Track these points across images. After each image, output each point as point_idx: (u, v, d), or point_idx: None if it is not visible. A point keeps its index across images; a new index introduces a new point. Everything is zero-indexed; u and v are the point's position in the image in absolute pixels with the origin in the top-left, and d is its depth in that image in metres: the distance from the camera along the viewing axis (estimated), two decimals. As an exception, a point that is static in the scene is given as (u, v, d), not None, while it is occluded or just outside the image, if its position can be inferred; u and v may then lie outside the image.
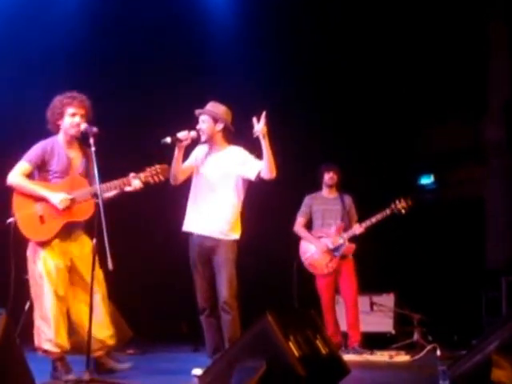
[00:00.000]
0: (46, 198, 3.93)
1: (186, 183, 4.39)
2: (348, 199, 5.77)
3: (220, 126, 4.33)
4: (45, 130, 4.10)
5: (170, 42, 6.20)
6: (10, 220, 3.93)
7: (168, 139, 4.19)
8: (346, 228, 5.60)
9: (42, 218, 3.94)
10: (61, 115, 4.04)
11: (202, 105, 4.41)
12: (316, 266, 5.62)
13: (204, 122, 4.33)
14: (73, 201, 3.95)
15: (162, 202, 4.66)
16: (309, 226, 5.78)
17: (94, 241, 3.59)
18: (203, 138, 4.35)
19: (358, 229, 5.51)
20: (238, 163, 4.33)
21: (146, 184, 3.98)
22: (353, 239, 5.58)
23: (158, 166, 4.00)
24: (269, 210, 6.31)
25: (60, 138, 4.10)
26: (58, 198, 3.92)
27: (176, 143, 4.24)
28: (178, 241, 4.50)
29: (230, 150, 4.40)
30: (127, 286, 4.19)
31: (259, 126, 4.16)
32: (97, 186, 3.73)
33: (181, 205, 4.40)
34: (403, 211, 5.40)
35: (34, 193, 3.96)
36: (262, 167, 4.23)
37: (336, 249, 5.55)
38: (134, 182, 3.94)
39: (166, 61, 6.21)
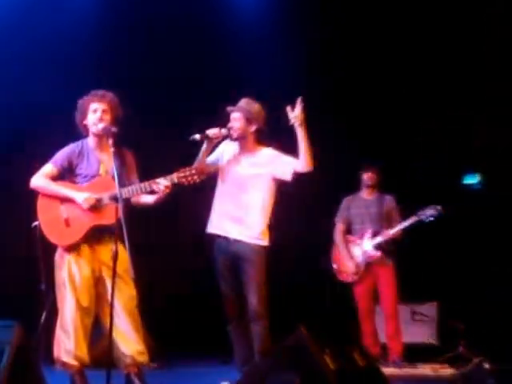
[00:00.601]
0: (70, 198, 3.90)
1: (208, 181, 4.35)
2: (389, 200, 5.68)
3: (253, 128, 4.32)
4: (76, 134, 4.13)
5: (194, 37, 6.24)
6: (35, 224, 3.97)
7: (197, 136, 4.19)
8: (380, 233, 5.54)
9: (67, 221, 3.91)
10: (85, 114, 4.04)
11: (227, 102, 4.38)
12: (343, 273, 5.61)
13: (236, 121, 4.30)
14: (99, 202, 3.89)
15: (182, 201, 4.61)
16: (349, 230, 5.74)
17: (114, 247, 3.54)
18: (233, 137, 4.32)
19: (386, 235, 5.46)
20: (271, 163, 4.31)
21: (179, 185, 3.89)
22: (388, 245, 5.52)
23: (194, 167, 3.96)
24: (302, 211, 6.28)
25: (89, 139, 4.09)
26: (82, 196, 3.88)
27: (205, 141, 4.23)
28: (201, 244, 4.49)
29: (261, 150, 4.37)
30: (150, 293, 4.19)
31: (295, 113, 4.13)
32: (119, 188, 3.67)
33: (202, 204, 4.40)
34: (430, 219, 5.34)
35: (57, 193, 3.93)
36: (296, 163, 4.20)
37: (362, 256, 5.54)
38: (161, 182, 3.85)
39: (191, 57, 6.23)
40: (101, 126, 3.97)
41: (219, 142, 4.37)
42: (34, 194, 3.99)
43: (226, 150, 4.43)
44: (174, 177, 3.86)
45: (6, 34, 5.60)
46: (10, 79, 5.56)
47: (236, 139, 4.35)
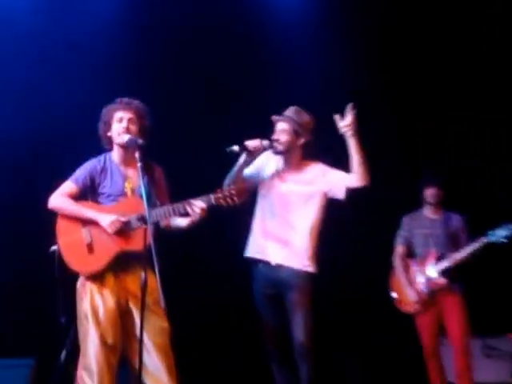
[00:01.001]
0: (94, 220, 3.75)
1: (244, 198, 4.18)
2: (456, 220, 5.41)
3: (302, 141, 4.22)
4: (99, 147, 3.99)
5: (230, 43, 6.11)
6: (53, 248, 3.81)
7: (235, 147, 4.07)
8: (446, 257, 5.26)
9: (90, 246, 3.76)
10: (109, 124, 3.89)
11: (267, 112, 4.27)
12: (404, 303, 5.37)
13: (283, 133, 4.20)
14: (127, 225, 3.74)
15: (216, 221, 4.51)
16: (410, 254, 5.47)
17: (143, 275, 3.45)
18: (278, 150, 4.18)
19: (453, 259, 5.20)
20: (322, 180, 4.18)
21: (217, 207, 3.76)
22: (455, 270, 5.24)
23: (233, 187, 3.82)
24: (352, 232, 6.04)
25: (113, 153, 3.93)
26: (107, 219, 3.72)
27: (244, 153, 4.09)
28: (238, 271, 4.42)
29: (309, 166, 4.23)
30: (181, 324, 4.09)
31: (346, 121, 4.03)
32: (149, 210, 3.53)
33: (239, 225, 4.30)
34: (503, 240, 5.07)
35: (78, 214, 3.78)
36: (349, 179, 4.10)
37: (425, 283, 5.30)
38: (197, 204, 3.71)
39: (225, 65, 6.08)
40: (126, 137, 3.80)
41: (258, 156, 4.25)
42: (52, 216, 3.84)
43: (268, 164, 4.33)
44: (212, 198, 3.73)
45: (25, 41, 5.54)
46: (28, 88, 5.48)
47: (281, 153, 4.20)
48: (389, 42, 6.15)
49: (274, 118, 4.27)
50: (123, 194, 3.85)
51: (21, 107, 5.36)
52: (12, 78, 5.33)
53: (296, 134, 4.19)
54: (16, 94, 5.36)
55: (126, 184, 3.87)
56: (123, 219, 3.75)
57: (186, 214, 3.78)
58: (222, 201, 3.72)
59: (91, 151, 3.98)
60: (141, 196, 3.63)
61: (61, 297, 3.87)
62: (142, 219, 3.61)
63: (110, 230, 3.74)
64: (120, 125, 3.86)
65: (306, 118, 4.23)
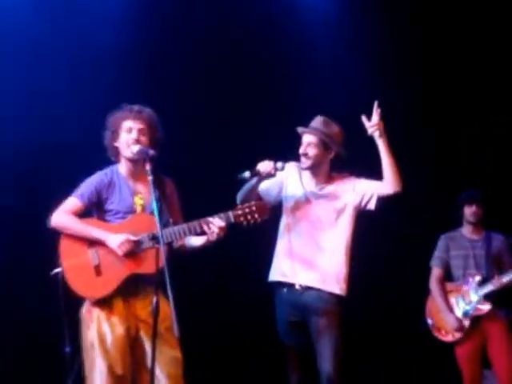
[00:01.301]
0: (102, 240, 3.63)
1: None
2: (499, 241, 5.24)
3: (332, 154, 4.13)
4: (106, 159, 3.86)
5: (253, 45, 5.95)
6: (56, 271, 3.71)
7: (246, 174, 4.01)
8: (490, 280, 5.09)
9: (97, 269, 3.64)
10: (117, 134, 3.76)
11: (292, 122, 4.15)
12: (442, 331, 5.21)
13: (311, 146, 4.10)
14: (138, 245, 3.62)
15: (233, 241, 4.28)
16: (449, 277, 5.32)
17: (155, 299, 3.32)
18: (305, 165, 4.10)
19: (497, 282, 5.03)
20: (351, 192, 4.11)
21: (236, 225, 3.66)
22: (500, 295, 5.07)
23: (254, 203, 3.69)
24: (382, 251, 5.88)
25: (121, 166, 3.81)
26: (117, 239, 3.60)
27: (256, 177, 4.03)
28: (257, 293, 4.36)
29: (336, 178, 4.19)
30: (197, 353, 4.06)
31: (373, 121, 4.00)
32: (162, 229, 3.38)
33: (258, 246, 4.23)
34: None
35: (84, 234, 3.66)
36: (381, 186, 4.04)
37: (466, 309, 5.13)
38: (214, 222, 3.60)
39: (245, 67, 5.96)
40: (136, 147, 3.66)
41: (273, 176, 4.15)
42: (55, 235, 3.72)
43: (290, 177, 4.23)
44: (231, 215, 3.64)
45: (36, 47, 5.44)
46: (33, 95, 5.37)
47: (309, 168, 4.13)
48: (428, 43, 6.07)
49: (300, 129, 4.17)
50: (133, 210, 3.74)
51: (21, 115, 5.28)
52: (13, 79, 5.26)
53: (325, 146, 4.10)
54: (17, 100, 5.28)
55: (136, 200, 3.76)
56: (134, 239, 3.62)
57: (202, 233, 3.67)
58: (241, 218, 3.62)
59: (96, 163, 3.87)
60: (152, 213, 3.51)
61: (65, 324, 3.85)
62: (155, 239, 3.50)
63: (119, 252, 3.61)
64: (129, 136, 3.72)
65: (335, 128, 4.15)
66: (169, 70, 5.73)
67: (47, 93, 5.26)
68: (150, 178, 3.45)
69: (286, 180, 4.22)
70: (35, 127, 5.20)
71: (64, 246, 3.69)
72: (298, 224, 4.12)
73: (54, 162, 5.29)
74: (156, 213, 3.39)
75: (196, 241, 3.76)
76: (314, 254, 4.07)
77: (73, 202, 3.72)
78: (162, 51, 5.72)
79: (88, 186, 3.74)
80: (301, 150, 4.12)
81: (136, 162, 3.72)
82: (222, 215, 3.62)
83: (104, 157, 3.83)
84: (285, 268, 4.11)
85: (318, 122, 4.16)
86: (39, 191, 5.02)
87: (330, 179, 4.17)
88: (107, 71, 5.42)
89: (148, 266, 3.53)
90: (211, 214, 3.61)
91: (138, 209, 3.74)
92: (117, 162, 3.81)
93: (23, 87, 5.24)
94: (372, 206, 4.07)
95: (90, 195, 3.72)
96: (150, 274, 3.49)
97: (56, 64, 5.35)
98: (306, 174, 4.18)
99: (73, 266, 3.66)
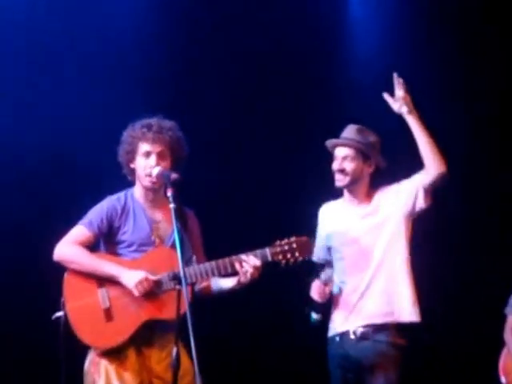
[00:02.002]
0: (115, 278, 3.49)
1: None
2: None
3: (372, 167, 3.95)
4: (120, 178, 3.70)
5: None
6: (58, 314, 3.52)
7: (315, 316, 3.88)
8: None
9: (107, 313, 3.49)
10: (133, 154, 3.62)
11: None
12: None
13: (348, 160, 3.92)
14: (158, 286, 3.47)
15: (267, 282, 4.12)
16: None
17: (175, 351, 3.17)
18: (343, 183, 3.90)
19: None
20: (397, 201, 3.89)
21: (274, 264, 3.52)
22: None
23: (294, 239, 3.52)
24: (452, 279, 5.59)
25: (137, 190, 3.67)
26: (134, 277, 3.45)
27: (319, 314, 3.89)
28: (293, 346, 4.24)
29: (378, 192, 3.97)
30: None
31: (398, 96, 3.84)
32: (184, 267, 3.24)
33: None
34: None
35: (95, 269, 3.51)
36: (423, 176, 3.83)
37: None
38: (249, 261, 3.45)
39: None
40: (156, 170, 3.53)
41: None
42: (58, 270, 3.60)
43: (324, 222, 4.07)
44: (268, 253, 3.50)
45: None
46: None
47: (347, 186, 3.93)
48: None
49: (332, 142, 3.96)
50: (150, 243, 3.61)
51: (21, 125, 5.13)
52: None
53: (364, 157, 3.92)
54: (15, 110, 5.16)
55: (154, 230, 3.64)
56: (153, 278, 3.47)
57: (233, 274, 3.54)
58: (280, 257, 3.48)
59: (107, 184, 3.76)
60: (173, 247, 3.33)
61: (63, 379, 3.61)
62: (176, 278, 3.31)
63: (136, 292, 3.45)
64: (147, 161, 3.57)
65: (372, 137, 3.96)
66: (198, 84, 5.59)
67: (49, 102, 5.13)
68: (171, 205, 3.28)
69: (323, 230, 4.05)
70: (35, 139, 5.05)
71: (69, 283, 3.54)
72: (342, 257, 3.95)
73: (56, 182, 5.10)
74: (178, 247, 3.21)
75: (225, 282, 3.61)
76: (370, 290, 3.87)
77: (80, 232, 3.57)
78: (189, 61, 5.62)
79: (98, 212, 3.60)
80: (335, 166, 3.91)
81: (152, 190, 3.61)
82: (257, 252, 3.47)
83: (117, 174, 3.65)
84: (336, 316, 3.95)
85: (351, 131, 3.98)
86: (39, 218, 4.85)
87: (371, 195, 4.00)
88: (122, 78, 5.31)
89: (168, 311, 3.38)
90: (235, 254, 3.46)
91: (156, 241, 3.61)
92: (132, 182, 3.68)
93: (24, 94, 5.13)
94: (422, 203, 3.86)
95: (100, 224, 3.58)
96: (169, 321, 3.36)
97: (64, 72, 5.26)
98: (344, 199, 4.01)
99: (79, 308, 3.51)
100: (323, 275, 3.89)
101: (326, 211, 4.06)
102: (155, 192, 3.62)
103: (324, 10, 5.71)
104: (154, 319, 3.48)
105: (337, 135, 4.02)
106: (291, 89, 5.66)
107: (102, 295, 3.50)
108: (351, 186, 3.92)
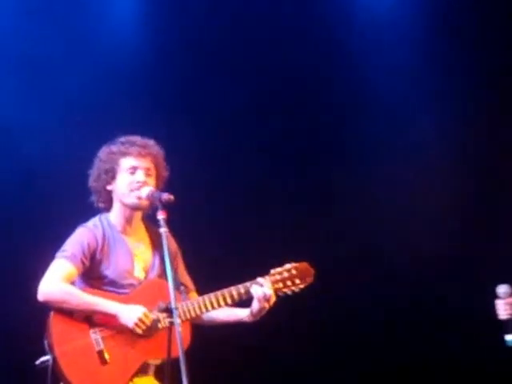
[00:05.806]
0: (113, 317, 3.28)
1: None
2: None
3: None
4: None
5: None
6: (44, 359, 3.31)
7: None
8: None
9: (101, 355, 3.29)
10: (113, 173, 3.42)
11: None
12: None
13: None
14: (156, 324, 3.30)
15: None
16: None
17: None
18: None
19: None
20: None
21: (276, 295, 3.35)
22: None
23: (293, 265, 3.39)
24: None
25: (113, 215, 3.45)
26: (133, 313, 3.25)
27: None
28: None
29: None
30: None
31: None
32: (173, 301, 3.05)
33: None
34: None
35: (90, 309, 3.30)
36: None
37: None
38: (265, 290, 3.27)
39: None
40: (146, 190, 3.31)
41: None
42: (40, 311, 3.39)
43: None
44: (266, 282, 3.34)
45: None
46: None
47: None
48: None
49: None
50: (132, 276, 3.42)
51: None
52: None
53: None
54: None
55: (136, 262, 3.45)
56: (152, 316, 3.29)
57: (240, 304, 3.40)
58: (280, 284, 3.34)
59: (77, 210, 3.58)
60: (160, 276, 3.33)
61: None
62: (167, 311, 3.12)
63: (138, 330, 3.27)
64: (133, 178, 3.38)
65: None
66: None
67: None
68: (162, 230, 3.08)
69: None
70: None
71: (56, 324, 3.32)
72: None
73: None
74: (170, 279, 3.02)
75: (234, 313, 3.45)
76: None
77: (64, 266, 3.33)
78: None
79: (79, 243, 3.37)
80: None
81: (137, 210, 3.42)
82: (258, 281, 3.31)
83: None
84: None
85: None
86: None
87: None
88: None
89: (165, 351, 3.15)
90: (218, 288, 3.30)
91: (141, 274, 3.42)
92: (105, 209, 3.47)
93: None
94: None
95: (83, 257, 3.35)
96: (163, 361, 3.25)
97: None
98: None
99: (69, 352, 3.31)
100: (501, 290, 3.64)
101: None
102: (133, 216, 3.44)
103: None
104: (152, 359, 3.35)
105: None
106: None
107: (95, 336, 3.33)
108: None
